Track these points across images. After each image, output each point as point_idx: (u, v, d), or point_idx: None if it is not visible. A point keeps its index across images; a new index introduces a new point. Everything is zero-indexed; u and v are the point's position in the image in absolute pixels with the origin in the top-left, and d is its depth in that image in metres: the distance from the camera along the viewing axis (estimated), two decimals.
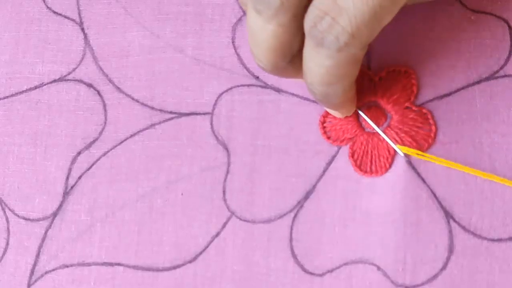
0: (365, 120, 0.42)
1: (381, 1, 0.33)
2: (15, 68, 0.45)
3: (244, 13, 0.44)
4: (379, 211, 0.41)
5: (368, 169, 0.41)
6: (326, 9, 0.34)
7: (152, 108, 0.43)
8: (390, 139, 0.41)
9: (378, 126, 0.42)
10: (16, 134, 0.44)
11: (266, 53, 0.36)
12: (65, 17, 0.45)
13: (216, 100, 0.43)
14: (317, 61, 0.35)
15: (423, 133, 0.41)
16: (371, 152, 0.41)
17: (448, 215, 0.40)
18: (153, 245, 0.42)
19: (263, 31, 0.35)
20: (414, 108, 0.42)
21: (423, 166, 0.41)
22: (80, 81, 0.44)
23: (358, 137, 0.42)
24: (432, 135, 0.41)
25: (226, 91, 0.43)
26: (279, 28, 0.35)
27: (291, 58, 0.37)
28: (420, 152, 0.41)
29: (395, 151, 0.41)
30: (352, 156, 0.42)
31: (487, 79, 0.42)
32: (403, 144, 0.41)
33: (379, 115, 0.42)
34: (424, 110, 0.42)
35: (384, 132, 0.42)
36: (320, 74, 0.36)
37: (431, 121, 0.41)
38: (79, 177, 0.43)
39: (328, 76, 0.36)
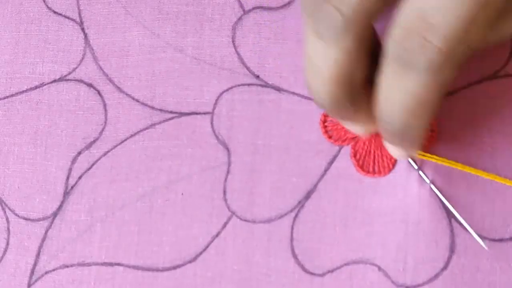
0: None
1: (472, 15, 0.30)
2: (15, 68, 0.45)
3: (245, 12, 0.44)
4: (380, 211, 0.41)
5: (371, 169, 0.41)
6: (414, 27, 0.30)
7: (152, 107, 0.43)
8: None
9: None
10: (16, 134, 0.44)
11: (327, 85, 0.33)
12: (65, 17, 0.45)
13: (217, 100, 0.43)
14: (402, 87, 0.32)
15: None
16: (374, 152, 0.41)
17: (450, 215, 0.40)
18: (153, 245, 0.42)
19: (324, 58, 0.33)
20: None
21: (425, 166, 0.41)
22: (80, 81, 0.44)
23: (360, 137, 0.42)
24: (434, 135, 0.41)
25: (227, 90, 0.43)
26: (342, 54, 0.32)
27: (353, 93, 0.34)
28: (422, 153, 0.41)
29: None
30: (354, 156, 0.41)
31: (489, 78, 0.42)
32: None
33: None
34: None
35: None
36: (404, 102, 0.32)
37: (432, 121, 0.41)
38: (79, 177, 0.43)
39: (415, 104, 0.32)
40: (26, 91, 0.44)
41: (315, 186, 0.42)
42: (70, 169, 0.43)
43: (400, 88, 0.32)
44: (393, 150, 0.39)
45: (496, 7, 0.31)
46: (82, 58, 0.44)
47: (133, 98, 0.44)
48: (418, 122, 0.34)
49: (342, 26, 0.32)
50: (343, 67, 0.33)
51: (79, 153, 0.43)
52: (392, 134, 0.35)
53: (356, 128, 0.39)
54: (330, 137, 0.42)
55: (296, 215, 0.41)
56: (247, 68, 0.43)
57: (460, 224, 0.40)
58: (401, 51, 0.31)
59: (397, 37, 0.31)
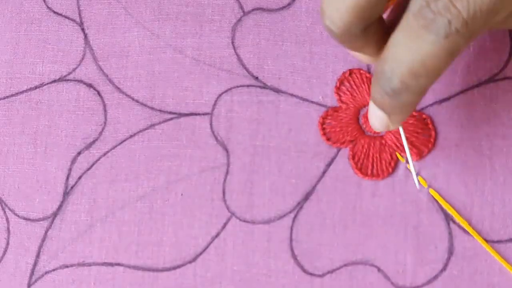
0: (365, 123, 0.42)
1: None
2: (15, 68, 0.45)
3: (244, 13, 0.44)
4: (379, 213, 0.41)
5: (369, 172, 0.41)
6: None
7: (152, 108, 0.43)
8: (390, 143, 0.42)
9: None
10: (16, 134, 0.44)
11: (345, 13, 0.33)
12: (65, 17, 0.45)
13: (216, 101, 0.43)
14: (414, 46, 0.32)
15: (423, 139, 0.41)
16: (373, 155, 0.42)
17: (448, 217, 0.41)
18: (153, 246, 0.42)
19: None
20: (414, 113, 0.42)
21: (424, 169, 0.41)
22: (80, 81, 0.44)
23: (358, 140, 0.42)
24: (432, 140, 0.41)
25: (226, 91, 0.43)
26: None
27: (366, 27, 0.34)
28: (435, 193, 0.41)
29: (397, 156, 0.41)
30: (353, 158, 0.42)
31: (487, 82, 0.42)
32: (403, 149, 0.41)
33: None
34: (424, 115, 0.42)
35: (384, 136, 0.42)
36: (411, 62, 0.32)
37: (430, 126, 0.42)
38: (79, 177, 0.43)
39: (420, 65, 0.32)
40: (26, 91, 0.44)
41: (314, 187, 0.42)
42: (70, 169, 0.43)
43: (411, 47, 0.32)
44: (374, 117, 0.37)
45: None
46: (82, 58, 0.44)
47: (133, 99, 0.44)
48: (416, 86, 0.33)
49: None
50: (368, 0, 0.33)
51: (79, 153, 0.43)
52: (385, 92, 0.34)
53: (362, 58, 0.38)
54: (328, 139, 0.42)
55: (295, 216, 0.41)
56: (246, 69, 0.44)
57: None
58: (425, 9, 0.31)
59: None
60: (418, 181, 0.41)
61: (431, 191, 0.41)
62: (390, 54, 0.33)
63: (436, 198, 0.41)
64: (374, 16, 0.33)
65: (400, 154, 0.41)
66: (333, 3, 0.33)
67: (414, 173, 0.41)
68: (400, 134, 0.41)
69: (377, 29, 0.34)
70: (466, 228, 0.40)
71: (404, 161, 0.41)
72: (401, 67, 0.33)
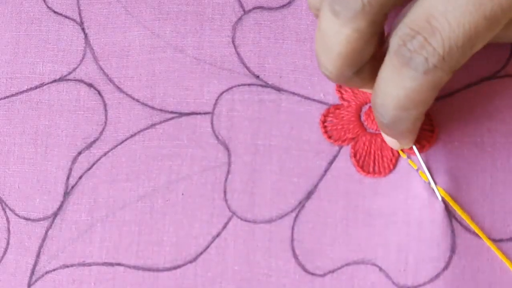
0: (367, 120, 0.42)
1: (477, 26, 0.32)
2: (16, 68, 0.45)
3: (245, 11, 0.44)
4: (381, 212, 0.41)
5: (371, 169, 0.41)
6: (418, 29, 0.32)
7: (153, 108, 0.43)
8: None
9: None
10: (17, 134, 0.44)
11: (335, 60, 0.35)
12: (66, 17, 0.45)
13: (217, 100, 0.43)
14: (398, 82, 0.34)
15: (425, 134, 0.41)
16: (374, 152, 0.41)
17: (450, 215, 0.40)
18: (154, 245, 0.42)
19: (336, 36, 0.34)
20: None
21: (425, 167, 0.41)
22: (81, 81, 0.44)
23: (360, 137, 0.42)
24: (434, 135, 0.41)
25: (227, 90, 0.43)
26: (354, 34, 0.33)
27: (358, 68, 0.36)
28: (453, 201, 0.41)
29: (398, 152, 0.41)
30: (354, 156, 0.42)
31: (489, 79, 0.42)
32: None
33: None
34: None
35: None
36: (397, 97, 0.34)
37: (432, 122, 0.41)
38: (80, 177, 0.43)
39: (407, 99, 0.34)
40: (26, 91, 0.44)
41: (316, 186, 0.42)
42: (70, 169, 0.43)
43: (396, 83, 0.34)
44: (388, 141, 0.40)
45: (502, 23, 0.33)
46: (82, 58, 0.44)
47: (133, 98, 0.44)
48: (408, 117, 0.35)
49: (359, 9, 0.33)
50: (352, 45, 0.34)
51: (79, 153, 0.43)
52: (381, 124, 0.37)
53: (366, 90, 0.41)
54: (329, 137, 0.42)
55: (297, 216, 0.41)
56: (247, 68, 0.44)
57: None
58: (403, 48, 0.33)
59: (401, 34, 0.33)
60: (442, 198, 0.41)
61: (432, 187, 0.41)
62: (379, 89, 0.35)
63: (439, 194, 0.41)
64: (364, 60, 0.35)
65: (401, 150, 0.41)
66: (324, 52, 0.35)
67: (436, 189, 0.41)
68: None
69: (370, 68, 0.36)
70: (470, 224, 0.40)
71: (405, 157, 0.41)
72: (391, 102, 0.34)
